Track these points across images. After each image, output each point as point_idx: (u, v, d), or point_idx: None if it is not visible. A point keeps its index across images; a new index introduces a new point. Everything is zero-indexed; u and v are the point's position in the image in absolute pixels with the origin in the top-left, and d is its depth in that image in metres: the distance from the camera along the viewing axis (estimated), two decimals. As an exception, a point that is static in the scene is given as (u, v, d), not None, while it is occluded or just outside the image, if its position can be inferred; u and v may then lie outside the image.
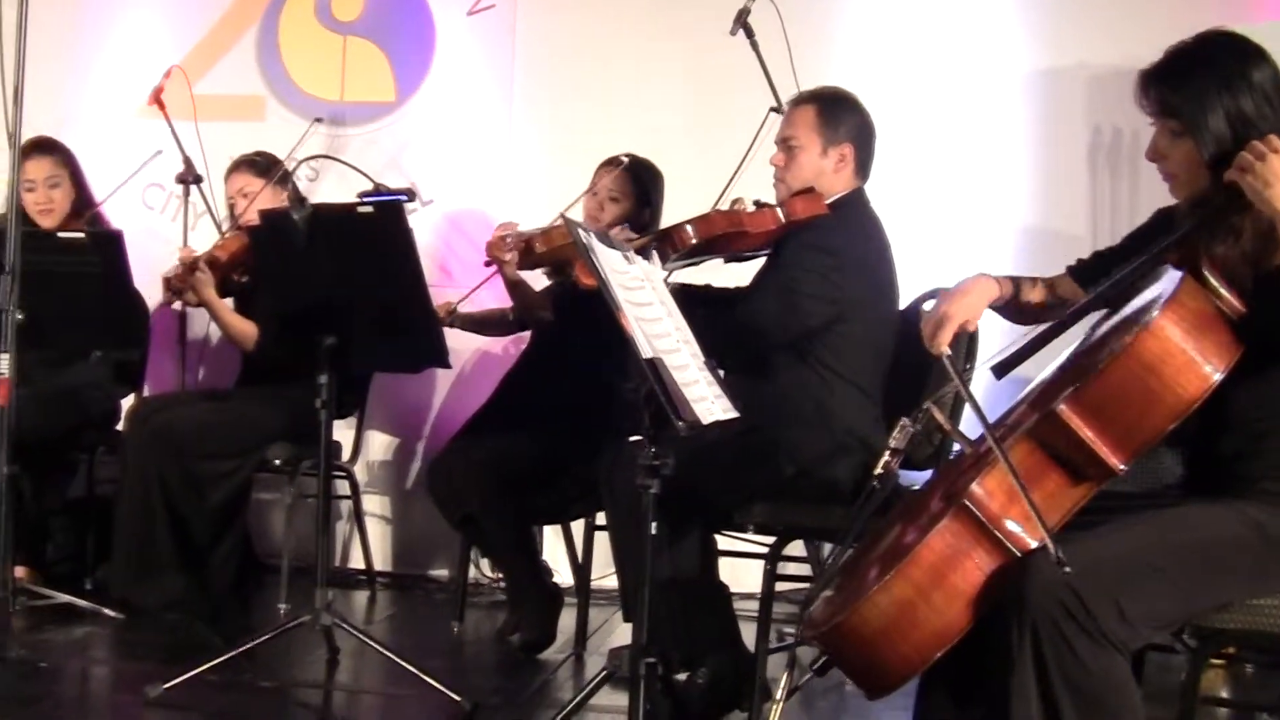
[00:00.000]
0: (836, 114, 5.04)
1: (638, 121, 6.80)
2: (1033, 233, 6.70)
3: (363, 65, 7.27)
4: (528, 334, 6.45)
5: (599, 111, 6.94)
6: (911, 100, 6.67)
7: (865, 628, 3.36)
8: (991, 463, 3.36)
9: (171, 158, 6.89)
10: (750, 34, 5.95)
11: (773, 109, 5.65)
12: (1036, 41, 6.74)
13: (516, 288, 5.97)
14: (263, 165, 6.41)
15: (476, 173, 7.15)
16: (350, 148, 7.03)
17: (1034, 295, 3.88)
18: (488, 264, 5.86)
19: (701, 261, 5.12)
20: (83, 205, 6.56)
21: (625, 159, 5.99)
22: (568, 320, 5.99)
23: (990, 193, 6.73)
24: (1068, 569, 3.09)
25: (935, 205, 6.65)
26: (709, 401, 4.00)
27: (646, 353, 3.82)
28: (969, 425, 4.00)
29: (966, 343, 4.82)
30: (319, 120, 6.92)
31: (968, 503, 3.32)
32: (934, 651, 3.35)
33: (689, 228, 4.91)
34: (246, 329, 6.26)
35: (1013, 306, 3.87)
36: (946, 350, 3.65)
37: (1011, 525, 3.30)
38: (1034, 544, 3.27)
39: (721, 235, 4.92)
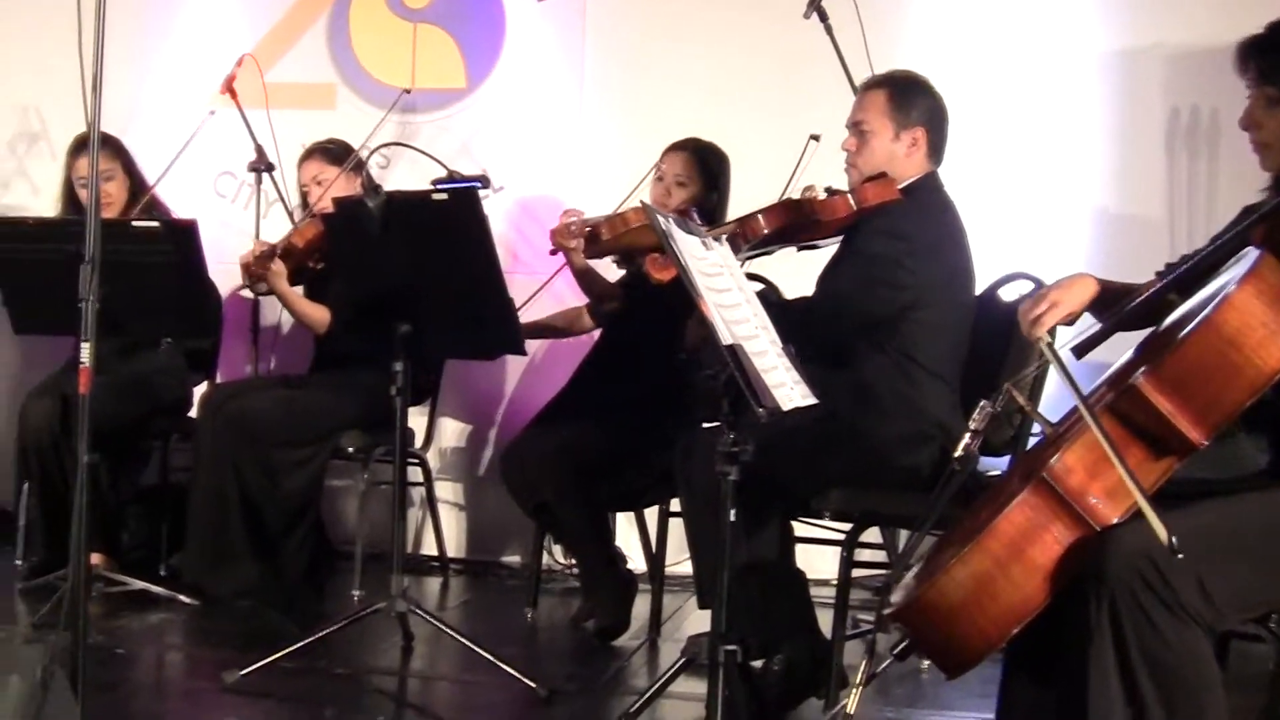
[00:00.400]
0: (908, 97, 4.99)
1: (710, 106, 6.74)
2: (1109, 216, 6.64)
3: (433, 52, 7.25)
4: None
5: (671, 97, 6.89)
6: (986, 82, 6.60)
7: (944, 601, 3.37)
8: (1073, 438, 3.36)
9: (243, 147, 6.91)
10: (824, 17, 5.92)
11: (812, 136, 5.58)
12: (1113, 22, 6.65)
13: (584, 276, 5.96)
14: (336, 152, 6.42)
15: (548, 159, 7.13)
16: (421, 135, 7.02)
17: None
18: (553, 253, 5.86)
19: (774, 251, 5.09)
20: (140, 194, 6.61)
21: (691, 143, 5.99)
22: (640, 308, 5.97)
23: (1066, 176, 6.65)
24: (1180, 555, 3.06)
25: (1010, 189, 6.58)
26: (788, 387, 3.99)
27: (726, 339, 3.81)
28: (1048, 408, 3.99)
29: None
30: (407, 91, 6.88)
31: (1047, 476, 3.32)
32: (1012, 626, 3.35)
33: (760, 217, 4.87)
34: (319, 315, 6.28)
35: (1102, 306, 3.84)
36: (1047, 338, 3.63)
37: (1092, 500, 3.30)
38: (1115, 519, 3.27)
39: (793, 223, 4.88)
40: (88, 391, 3.91)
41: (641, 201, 4.85)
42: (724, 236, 4.57)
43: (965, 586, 3.34)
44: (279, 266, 6.16)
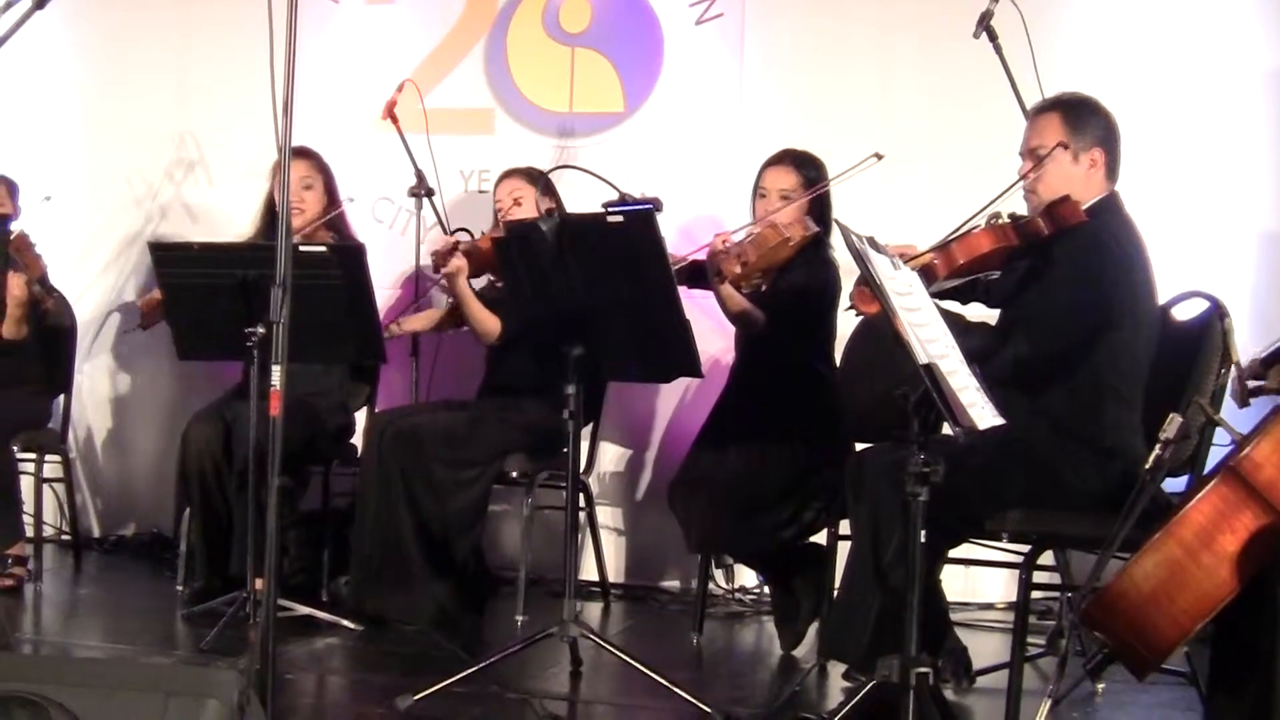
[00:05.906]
0: (1082, 118, 4.93)
1: (873, 128, 6.69)
2: (1273, 236, 6.54)
3: (591, 76, 7.28)
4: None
5: (832, 119, 6.84)
6: (1152, 101, 6.48)
7: (1136, 590, 3.58)
8: (1265, 434, 3.54)
9: (402, 172, 6.98)
10: (994, 37, 5.82)
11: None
12: (1277, 38, 6.56)
13: (742, 313, 5.94)
14: (534, 175, 6.41)
15: (707, 181, 7.10)
16: (579, 158, 6.99)
17: None
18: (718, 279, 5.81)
19: (965, 282, 4.99)
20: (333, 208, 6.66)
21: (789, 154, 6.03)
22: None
23: (1230, 194, 6.57)
24: None
25: (1176, 207, 6.46)
26: (979, 407, 3.97)
27: (922, 358, 3.78)
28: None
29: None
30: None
31: (1237, 468, 3.52)
32: (1204, 613, 3.54)
33: (956, 247, 4.75)
34: (492, 324, 6.31)
35: None
36: None
37: None
38: None
39: (993, 252, 4.77)
40: (279, 414, 3.91)
41: (836, 221, 4.81)
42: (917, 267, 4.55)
43: (1156, 575, 3.55)
44: (460, 262, 6.20)
